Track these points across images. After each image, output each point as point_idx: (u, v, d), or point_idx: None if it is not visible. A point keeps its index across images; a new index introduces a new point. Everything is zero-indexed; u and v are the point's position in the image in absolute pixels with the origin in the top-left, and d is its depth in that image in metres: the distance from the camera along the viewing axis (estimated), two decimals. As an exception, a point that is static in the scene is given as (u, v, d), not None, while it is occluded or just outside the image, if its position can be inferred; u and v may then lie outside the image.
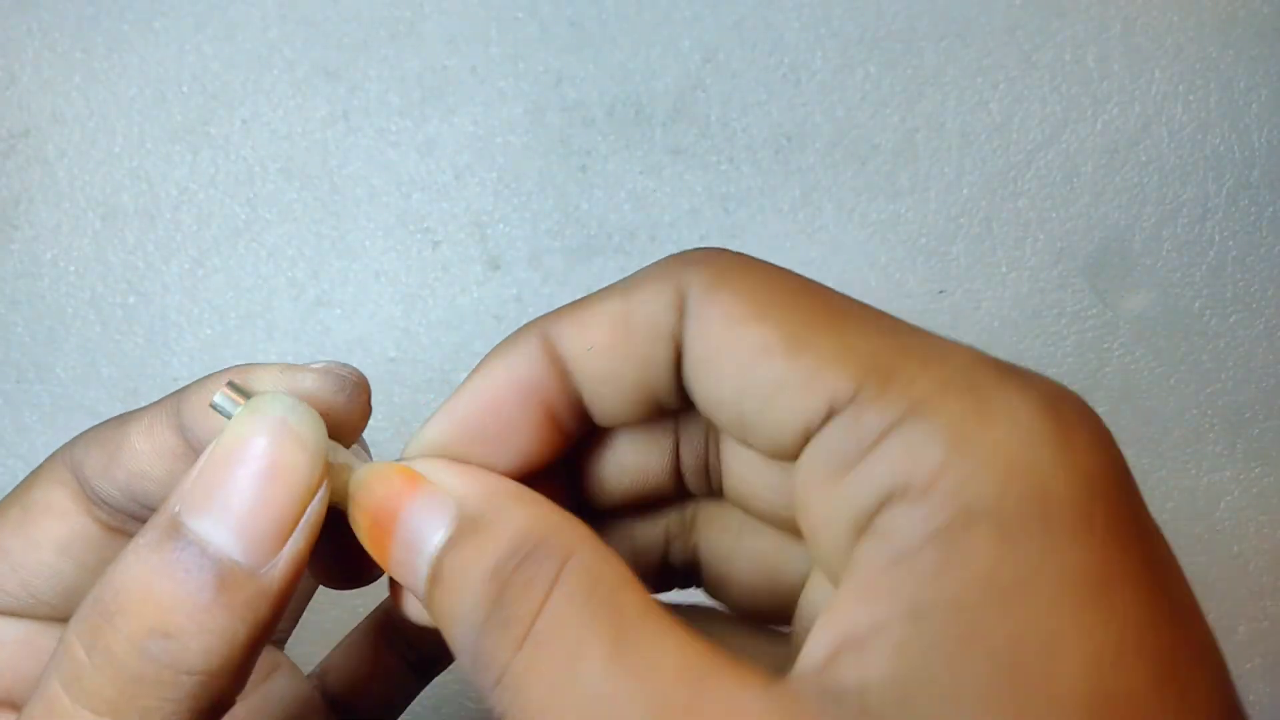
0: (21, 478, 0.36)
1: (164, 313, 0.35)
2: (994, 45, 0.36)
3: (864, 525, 0.13)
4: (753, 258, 0.16)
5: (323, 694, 0.22)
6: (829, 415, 0.14)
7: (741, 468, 0.17)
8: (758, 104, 0.36)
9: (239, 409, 0.15)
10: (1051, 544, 0.12)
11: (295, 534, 0.15)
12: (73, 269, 0.35)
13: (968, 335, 0.37)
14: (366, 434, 0.35)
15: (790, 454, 0.15)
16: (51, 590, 0.18)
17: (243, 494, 0.15)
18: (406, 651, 0.23)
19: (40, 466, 0.18)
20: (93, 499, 0.18)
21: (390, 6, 0.36)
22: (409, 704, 0.23)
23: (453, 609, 0.14)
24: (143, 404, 0.35)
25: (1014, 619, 0.12)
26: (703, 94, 0.36)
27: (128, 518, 0.18)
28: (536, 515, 0.15)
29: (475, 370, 0.17)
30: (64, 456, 0.18)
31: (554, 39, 0.36)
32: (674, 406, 0.16)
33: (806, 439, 0.14)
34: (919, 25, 0.36)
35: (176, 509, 0.15)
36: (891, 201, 0.36)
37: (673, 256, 0.16)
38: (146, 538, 0.15)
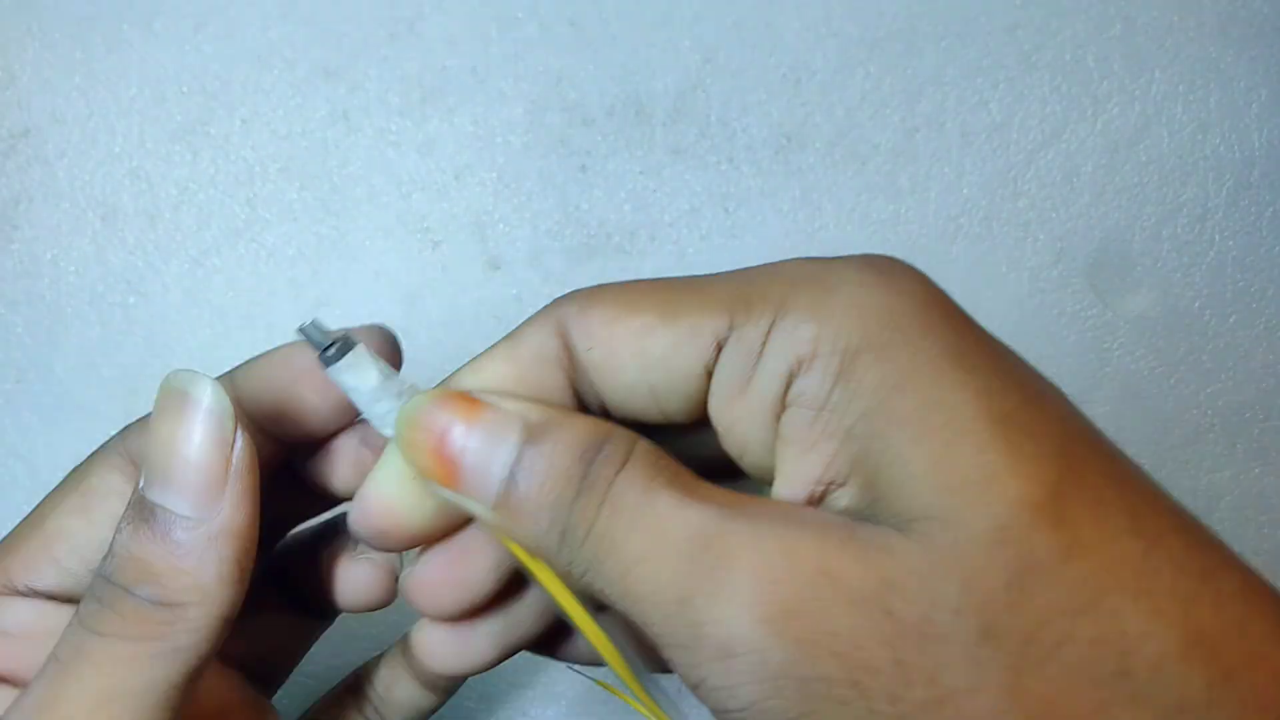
0: (22, 478, 0.36)
1: (164, 313, 0.35)
2: (994, 45, 0.36)
3: (778, 409, 0.17)
4: (609, 284, 0.19)
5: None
6: (718, 350, 0.18)
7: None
8: (758, 104, 0.36)
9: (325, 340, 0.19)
10: (914, 344, 0.16)
11: (230, 479, 0.18)
12: (73, 269, 0.35)
13: (968, 335, 0.36)
14: (366, 434, 0.35)
15: (700, 402, 0.18)
16: (67, 547, 0.20)
17: (177, 463, 0.18)
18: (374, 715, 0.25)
19: (93, 456, 0.21)
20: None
21: (390, 7, 0.36)
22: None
23: (538, 499, 0.17)
24: (143, 404, 0.35)
25: (912, 395, 0.16)
26: (703, 94, 0.36)
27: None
28: (596, 421, 0.18)
29: (510, 336, 0.19)
30: (117, 445, 0.21)
31: (554, 39, 0.36)
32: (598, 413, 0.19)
33: (709, 378, 0.18)
34: (919, 25, 0.36)
35: (142, 489, 0.18)
36: (891, 201, 0.36)
37: (549, 303, 0.19)
38: (128, 512, 0.18)
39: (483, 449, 0.17)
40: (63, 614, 0.20)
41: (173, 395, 0.18)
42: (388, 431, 0.19)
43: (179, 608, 0.18)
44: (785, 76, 0.36)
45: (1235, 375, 0.35)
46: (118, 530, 0.18)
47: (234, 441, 0.18)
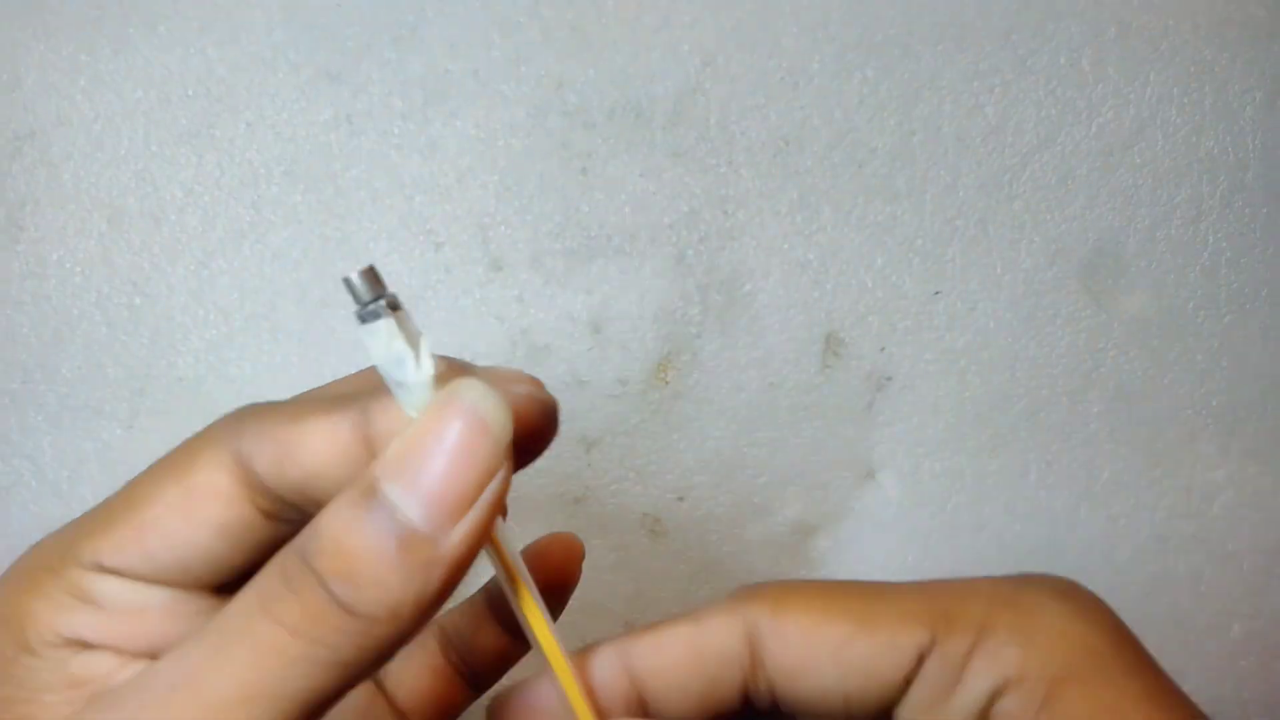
0: (28, 478, 0.36)
1: (169, 314, 0.35)
2: (990, 49, 0.37)
3: None
4: (795, 581, 0.21)
5: (388, 703, 0.24)
6: (920, 661, 0.19)
7: None
8: (756, 107, 0.36)
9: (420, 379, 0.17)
10: (1117, 682, 0.18)
11: (473, 509, 0.16)
12: (78, 270, 0.35)
13: (963, 337, 0.37)
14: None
15: (888, 705, 0.20)
16: (204, 567, 0.19)
17: (431, 468, 0.16)
18: (463, 665, 0.24)
19: (198, 450, 0.19)
20: (257, 489, 0.19)
21: (392, 11, 0.36)
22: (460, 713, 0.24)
23: None
24: (149, 404, 0.35)
25: None
26: (702, 98, 0.36)
27: (287, 506, 0.19)
28: None
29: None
30: (227, 444, 0.19)
31: (555, 43, 0.36)
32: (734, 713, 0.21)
33: (906, 686, 0.19)
34: (915, 29, 0.37)
35: (376, 474, 0.16)
36: (888, 204, 0.36)
37: (735, 594, 0.21)
38: (348, 495, 0.17)
39: None
40: (150, 592, 0.19)
41: (460, 400, 0.17)
42: (409, 411, 0.18)
43: (363, 620, 0.16)
44: (784, 80, 0.36)
45: (1229, 376, 0.36)
46: (334, 507, 0.17)
47: (496, 473, 0.17)
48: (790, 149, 0.36)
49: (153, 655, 0.19)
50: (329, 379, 0.35)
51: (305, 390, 0.22)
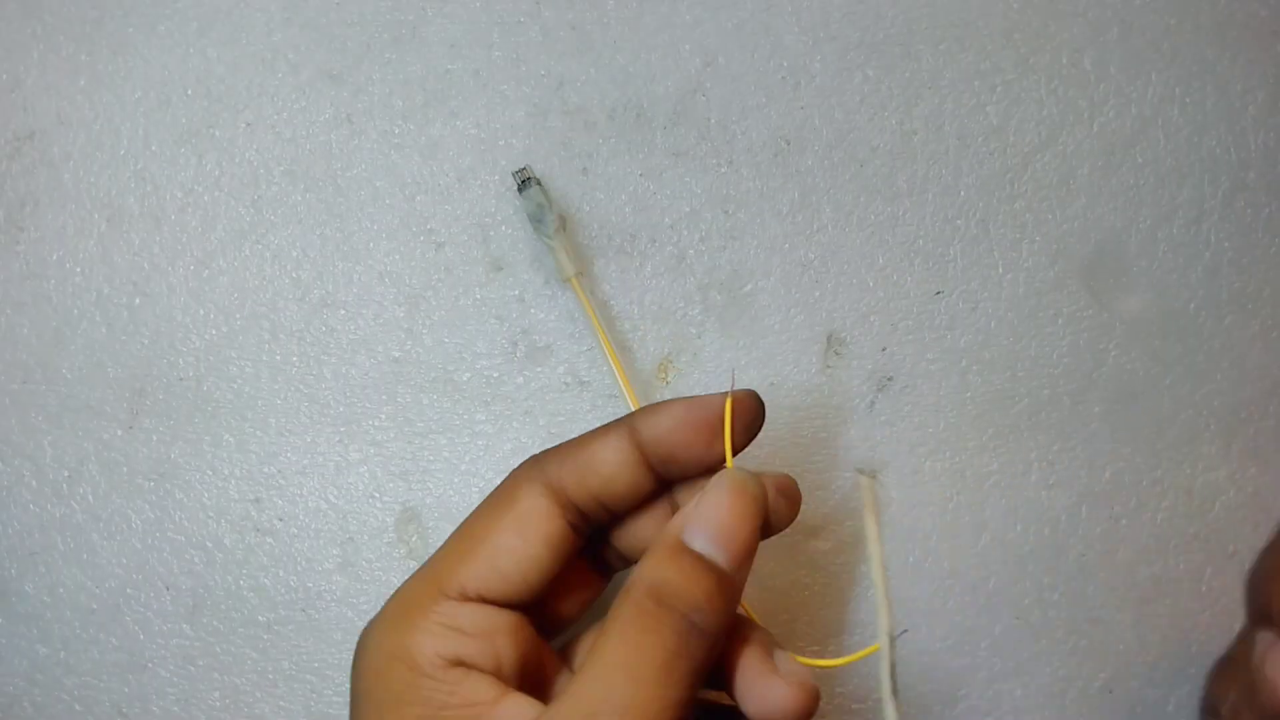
0: (29, 478, 0.36)
1: (170, 314, 0.35)
2: (991, 49, 0.37)
3: None
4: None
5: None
6: None
7: None
8: (757, 107, 0.36)
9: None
10: None
11: (753, 551, 0.24)
12: (79, 270, 0.35)
13: (964, 337, 0.37)
14: (373, 432, 0.35)
15: None
16: (539, 577, 0.25)
17: (734, 535, 0.24)
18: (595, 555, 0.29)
19: (515, 487, 0.25)
20: (566, 505, 0.25)
21: (393, 11, 0.36)
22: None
23: None
24: (149, 404, 0.35)
25: None
26: (703, 97, 0.36)
27: (584, 518, 0.26)
28: None
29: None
30: (537, 478, 0.25)
31: (555, 43, 0.36)
32: None
33: None
34: (917, 29, 0.37)
35: (687, 536, 0.24)
36: (889, 203, 0.36)
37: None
38: (660, 545, 0.24)
39: None
40: (502, 617, 0.25)
41: (739, 485, 0.25)
42: (544, 240, 0.33)
43: (710, 636, 0.23)
44: (784, 80, 0.36)
45: (1231, 376, 0.36)
46: (671, 565, 0.24)
47: (758, 530, 0.25)
48: (791, 149, 0.36)
49: (497, 673, 0.24)
50: (329, 379, 0.35)
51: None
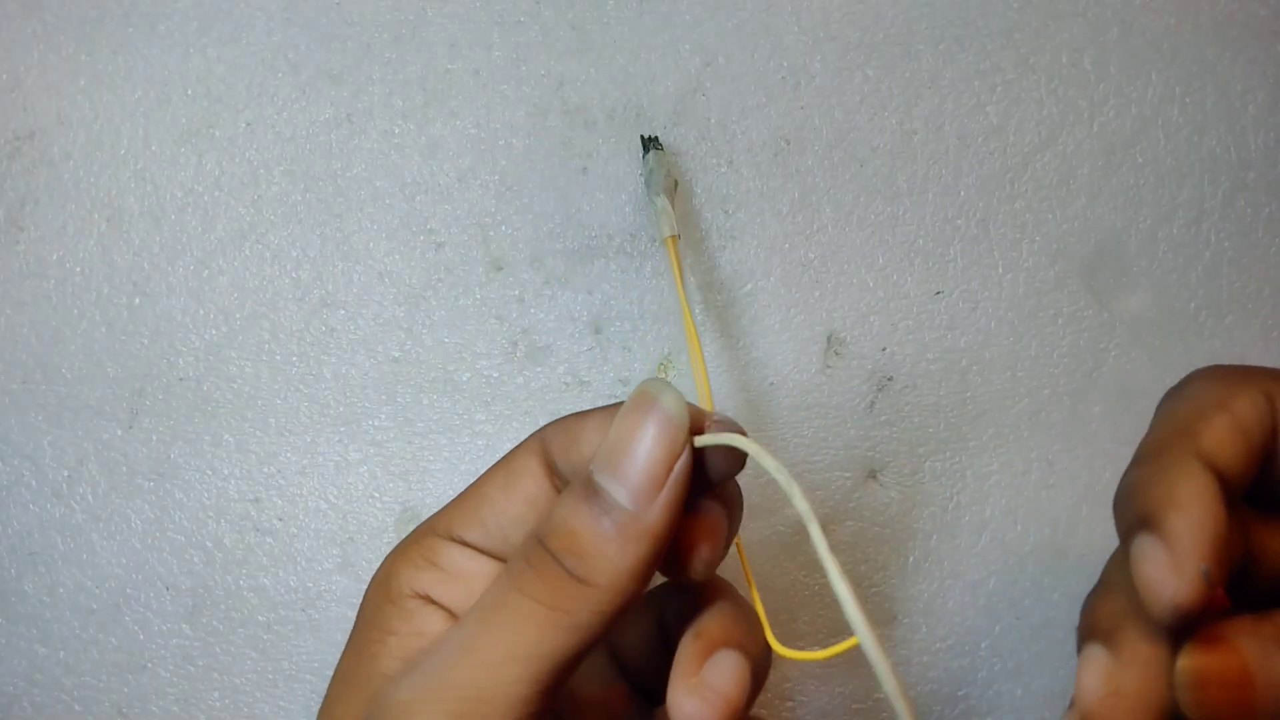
0: (29, 478, 0.36)
1: (169, 313, 0.35)
2: (991, 48, 0.37)
3: None
4: None
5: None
6: None
7: None
8: (757, 107, 0.36)
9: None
10: None
11: (666, 487, 0.21)
12: (78, 270, 0.35)
13: (965, 337, 0.37)
14: (373, 432, 0.35)
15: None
16: (517, 532, 0.23)
17: (630, 460, 0.21)
18: (634, 681, 0.26)
19: (522, 444, 0.25)
20: (553, 468, 0.24)
21: (393, 10, 0.36)
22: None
23: None
24: (149, 404, 0.35)
25: None
26: (703, 97, 0.36)
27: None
28: None
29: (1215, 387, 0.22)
30: (539, 436, 0.24)
31: (556, 43, 0.36)
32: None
33: None
34: (917, 29, 0.37)
35: (591, 468, 0.21)
36: (889, 203, 0.36)
37: (1214, 374, 0.22)
38: (573, 488, 0.21)
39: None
40: (483, 563, 0.23)
41: (645, 397, 0.21)
42: (652, 198, 0.33)
43: (592, 588, 0.20)
44: (784, 80, 0.36)
45: (1231, 375, 0.36)
46: (561, 501, 0.21)
47: (680, 454, 0.21)
48: (791, 148, 0.36)
49: None
50: (329, 379, 0.35)
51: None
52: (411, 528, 0.34)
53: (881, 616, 0.34)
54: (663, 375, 0.35)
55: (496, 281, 0.35)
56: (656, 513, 0.21)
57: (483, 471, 0.25)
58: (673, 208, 0.32)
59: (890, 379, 0.35)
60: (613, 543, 0.20)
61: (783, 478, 0.22)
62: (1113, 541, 0.35)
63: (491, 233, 0.36)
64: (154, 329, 0.35)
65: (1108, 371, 0.36)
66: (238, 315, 0.35)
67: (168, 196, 0.36)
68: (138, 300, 0.35)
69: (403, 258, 0.35)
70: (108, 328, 0.35)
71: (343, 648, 0.34)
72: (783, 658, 0.24)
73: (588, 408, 0.34)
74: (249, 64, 0.36)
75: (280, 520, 0.34)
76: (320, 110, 0.36)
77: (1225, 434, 0.20)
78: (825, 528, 0.35)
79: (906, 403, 0.35)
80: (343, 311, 0.35)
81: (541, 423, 0.34)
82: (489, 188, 0.36)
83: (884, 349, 0.35)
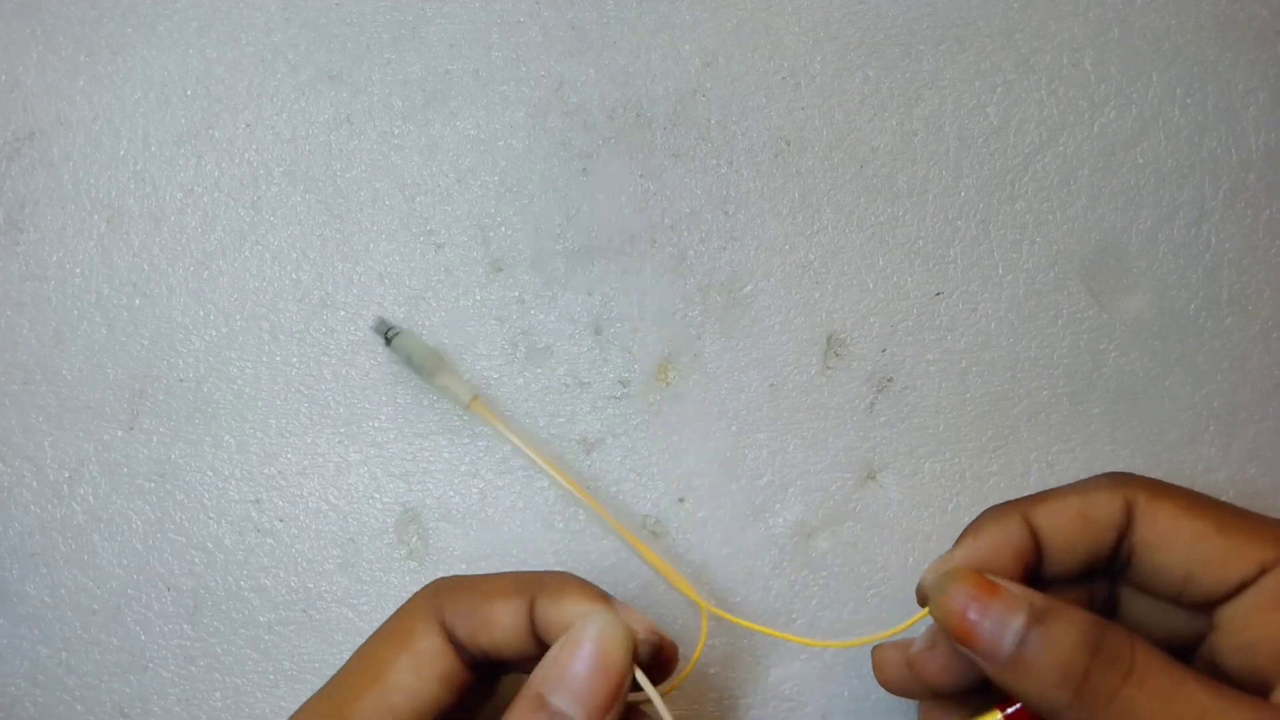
0: (30, 479, 0.36)
1: (169, 315, 0.35)
2: (992, 49, 0.37)
3: None
4: (1162, 481, 0.26)
5: None
6: (1261, 572, 0.23)
7: (1138, 609, 0.27)
8: (757, 108, 0.36)
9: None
10: None
11: (614, 707, 0.24)
12: (78, 271, 0.35)
13: (964, 338, 0.37)
14: (373, 434, 0.35)
15: (1216, 601, 0.24)
16: (434, 712, 0.25)
17: (583, 682, 0.24)
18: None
19: (412, 623, 0.26)
20: (460, 648, 0.26)
21: (392, 11, 0.36)
22: None
23: (1048, 661, 0.23)
24: (149, 405, 0.35)
25: None
26: (703, 98, 0.36)
27: (477, 658, 0.26)
28: (1088, 615, 0.23)
29: (977, 527, 0.27)
30: (433, 613, 0.26)
31: (555, 43, 0.36)
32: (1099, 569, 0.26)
33: (1239, 591, 0.24)
34: (917, 29, 0.37)
35: (540, 689, 0.24)
36: (889, 204, 0.36)
37: (1106, 476, 0.26)
38: (520, 708, 0.24)
39: (999, 619, 0.24)
40: None
41: (588, 633, 0.25)
42: (432, 382, 0.33)
43: None
44: (784, 80, 0.36)
45: (1231, 377, 0.36)
46: (510, 713, 0.24)
47: (628, 679, 0.25)
48: (791, 149, 0.36)
49: None
50: (329, 380, 0.35)
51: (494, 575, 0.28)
52: (412, 528, 0.34)
53: (882, 616, 0.34)
54: (663, 377, 0.35)
55: (496, 283, 0.35)
56: None
57: (370, 642, 0.26)
58: (450, 378, 0.33)
59: (890, 380, 0.35)
60: None
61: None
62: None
63: (491, 234, 0.35)
64: (154, 330, 0.35)
65: (1107, 373, 0.36)
66: (238, 316, 0.35)
67: (167, 197, 0.36)
68: (138, 301, 0.35)
69: (403, 259, 0.35)
70: (108, 329, 0.35)
71: (343, 647, 0.34)
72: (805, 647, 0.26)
73: (585, 410, 0.34)
74: (248, 65, 0.36)
75: (281, 521, 0.34)
76: (320, 111, 0.36)
77: (1064, 511, 0.26)
78: (825, 529, 0.35)
79: (906, 404, 0.35)
80: (343, 312, 0.35)
81: (542, 423, 0.35)
82: (489, 189, 0.36)
83: (884, 350, 0.35)
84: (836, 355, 0.35)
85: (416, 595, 0.27)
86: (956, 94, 0.36)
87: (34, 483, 0.34)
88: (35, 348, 0.35)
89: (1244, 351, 0.36)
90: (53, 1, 0.36)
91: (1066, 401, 0.35)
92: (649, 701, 0.25)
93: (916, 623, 0.27)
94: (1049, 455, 0.35)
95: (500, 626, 0.25)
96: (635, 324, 0.35)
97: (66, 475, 0.34)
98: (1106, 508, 0.25)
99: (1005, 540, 0.26)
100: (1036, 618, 0.23)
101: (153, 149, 0.36)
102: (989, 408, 0.35)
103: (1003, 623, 0.23)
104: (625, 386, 0.35)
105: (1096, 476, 0.26)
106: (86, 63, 0.36)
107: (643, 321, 0.35)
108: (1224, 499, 0.35)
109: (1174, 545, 0.24)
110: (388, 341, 0.33)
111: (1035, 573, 0.26)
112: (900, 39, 0.36)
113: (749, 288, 0.35)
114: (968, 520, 0.35)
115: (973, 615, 0.24)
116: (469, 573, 0.30)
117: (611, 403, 0.35)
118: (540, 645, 0.26)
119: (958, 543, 0.27)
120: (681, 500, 0.34)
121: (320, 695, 0.26)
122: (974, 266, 0.36)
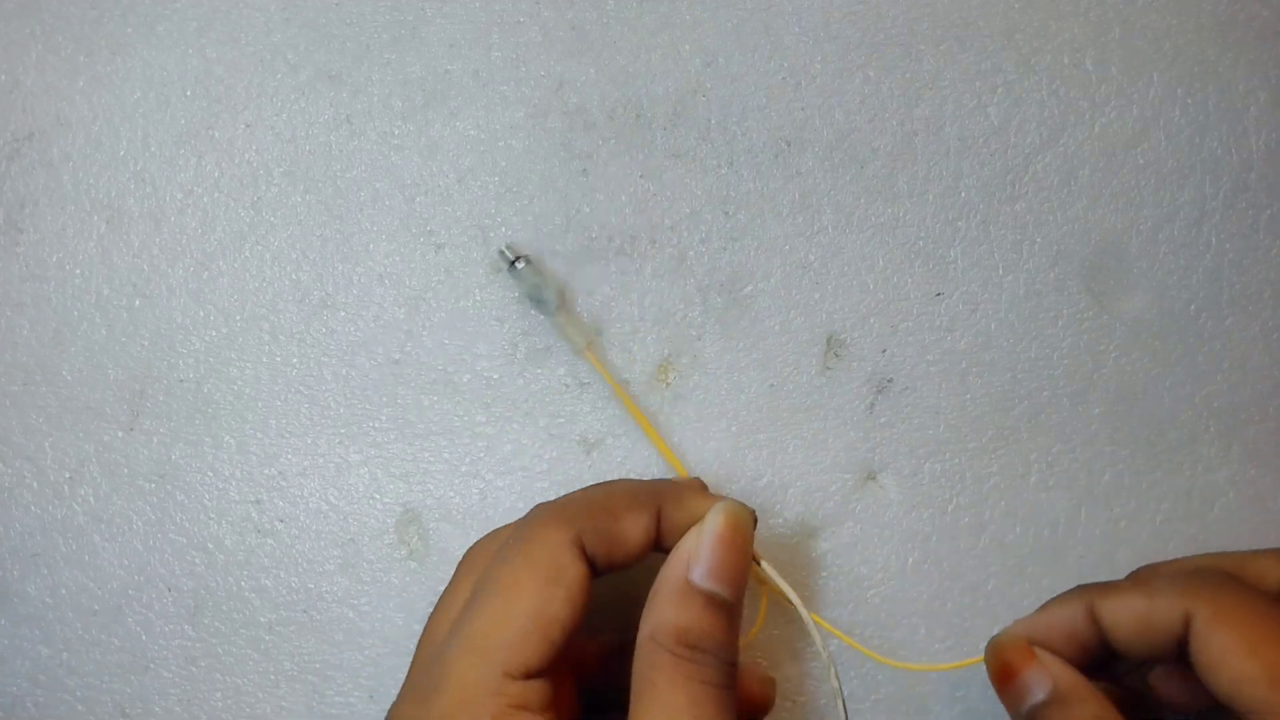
0: (30, 479, 0.36)
1: (170, 315, 0.35)
2: (992, 49, 0.37)
3: None
4: (1247, 590, 0.26)
5: None
6: None
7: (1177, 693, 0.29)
8: (757, 108, 0.36)
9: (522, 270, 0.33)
10: None
11: (746, 581, 0.28)
12: (78, 272, 0.35)
13: (965, 339, 0.37)
14: (373, 434, 0.35)
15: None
16: (576, 636, 0.26)
17: (724, 561, 0.27)
18: None
19: (558, 549, 0.27)
20: (589, 561, 0.27)
21: (392, 11, 0.36)
22: None
23: None
24: (149, 406, 0.35)
25: None
26: (703, 98, 0.36)
27: (601, 570, 0.27)
28: (1104, 707, 0.26)
29: (1047, 604, 0.29)
30: (572, 539, 0.27)
31: (555, 43, 0.36)
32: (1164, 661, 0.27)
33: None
34: (918, 29, 0.36)
35: (686, 571, 0.27)
36: (890, 205, 0.36)
37: (1184, 576, 0.27)
38: (669, 589, 0.27)
39: (1026, 684, 0.27)
40: (553, 686, 0.26)
41: (736, 520, 0.28)
42: (554, 319, 0.34)
43: (736, 666, 0.26)
44: (785, 80, 0.36)
45: (1231, 378, 0.36)
46: (658, 600, 0.27)
47: (750, 552, 0.28)
48: (791, 150, 0.36)
49: None
50: (329, 381, 0.35)
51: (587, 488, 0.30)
52: (412, 528, 0.34)
53: (882, 617, 0.34)
54: (663, 378, 0.35)
55: (496, 283, 0.35)
56: (740, 597, 0.28)
57: (510, 578, 0.26)
58: (570, 318, 0.34)
59: (890, 381, 0.35)
60: (734, 630, 0.27)
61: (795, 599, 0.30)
62: (1111, 543, 0.35)
63: (491, 234, 0.35)
64: (154, 331, 0.35)
65: (1107, 373, 0.36)
66: (238, 317, 0.35)
67: (167, 198, 0.36)
68: (138, 302, 0.35)
69: (403, 259, 0.35)
70: (108, 330, 0.35)
71: (343, 648, 0.34)
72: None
73: (586, 411, 0.34)
74: (248, 65, 0.36)
75: (281, 522, 0.34)
76: (320, 111, 0.36)
77: (1126, 609, 0.27)
78: (825, 529, 0.35)
79: (906, 404, 0.35)
80: (343, 313, 0.35)
81: (542, 424, 0.35)
82: (489, 189, 0.36)
83: (884, 351, 0.35)
84: (836, 356, 0.35)
85: (546, 524, 0.27)
86: (957, 94, 0.36)
87: (34, 483, 0.34)
88: (35, 348, 0.35)
89: (1244, 352, 0.36)
90: (52, 2, 0.36)
91: (1066, 402, 0.35)
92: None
93: (970, 665, 0.32)
94: (1049, 456, 0.35)
95: (634, 540, 0.27)
96: (635, 324, 0.35)
97: (67, 476, 0.35)
98: (1167, 615, 0.26)
99: (1063, 623, 0.28)
100: (1056, 697, 0.27)
101: (152, 149, 0.36)
102: (989, 408, 0.35)
103: (1027, 690, 0.27)
104: (625, 387, 0.35)
105: (1170, 573, 0.27)
106: (86, 63, 0.36)
107: (643, 322, 0.35)
108: (1224, 499, 0.35)
109: (1220, 679, 0.25)
110: (512, 266, 0.34)
111: (1107, 650, 0.28)
112: (901, 39, 0.36)
113: (749, 288, 0.35)
114: (967, 521, 0.35)
115: (1007, 674, 0.27)
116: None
117: (612, 403, 0.35)
118: (656, 547, 0.28)
119: (1032, 614, 0.29)
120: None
121: (471, 645, 0.25)
122: (974, 267, 0.36)
